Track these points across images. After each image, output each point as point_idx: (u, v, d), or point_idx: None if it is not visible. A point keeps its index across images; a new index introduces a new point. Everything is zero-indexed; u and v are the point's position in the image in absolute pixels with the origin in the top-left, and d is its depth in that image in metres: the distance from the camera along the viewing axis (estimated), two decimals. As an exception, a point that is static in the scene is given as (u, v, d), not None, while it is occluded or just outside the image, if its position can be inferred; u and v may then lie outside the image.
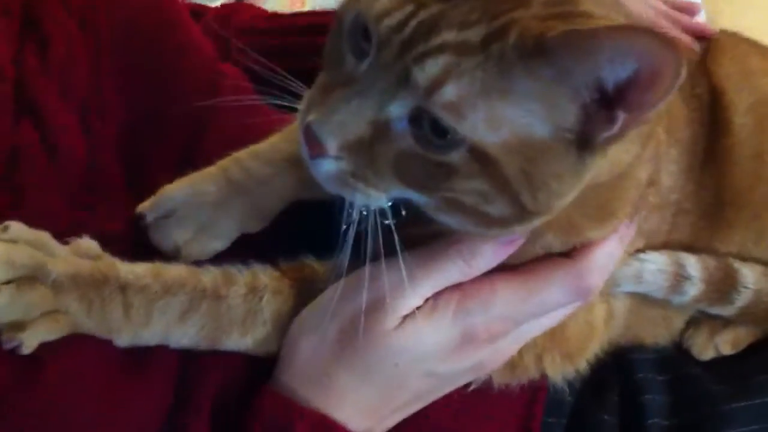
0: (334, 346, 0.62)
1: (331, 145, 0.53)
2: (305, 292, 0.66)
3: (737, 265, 0.80)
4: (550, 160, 0.53)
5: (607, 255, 0.66)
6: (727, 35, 0.87)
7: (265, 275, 0.65)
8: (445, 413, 0.69)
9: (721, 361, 0.83)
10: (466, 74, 0.51)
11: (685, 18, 0.88)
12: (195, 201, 0.67)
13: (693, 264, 0.78)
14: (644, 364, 0.82)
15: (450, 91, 0.51)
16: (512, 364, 0.69)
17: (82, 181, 0.64)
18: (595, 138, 0.53)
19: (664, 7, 0.83)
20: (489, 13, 0.51)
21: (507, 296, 0.63)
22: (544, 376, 0.72)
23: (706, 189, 0.77)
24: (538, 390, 0.75)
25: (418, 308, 0.62)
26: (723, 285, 0.79)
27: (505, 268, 0.63)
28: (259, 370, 0.65)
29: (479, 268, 0.62)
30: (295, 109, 0.58)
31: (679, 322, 0.83)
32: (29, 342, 0.57)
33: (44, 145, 0.60)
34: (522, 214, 0.55)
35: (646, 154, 0.64)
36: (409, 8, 0.51)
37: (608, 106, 0.52)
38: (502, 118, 0.51)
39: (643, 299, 0.78)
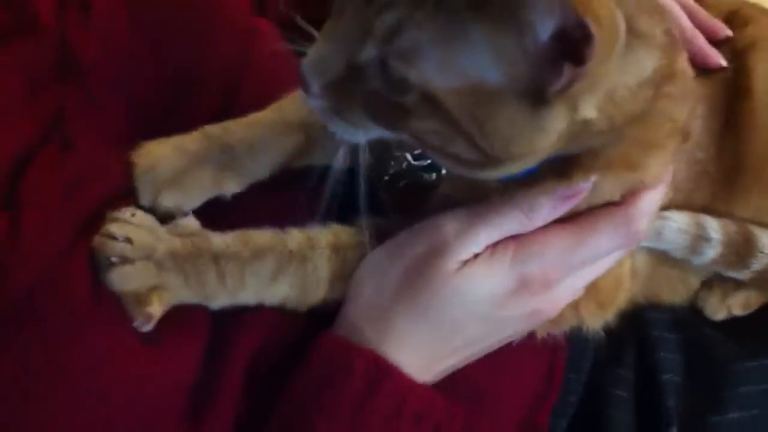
0: (396, 287, 0.66)
1: (314, 85, 0.59)
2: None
3: (757, 231, 0.82)
4: (501, 108, 0.56)
5: (652, 200, 0.69)
6: (751, 6, 0.88)
7: (345, 234, 0.68)
8: (478, 368, 0.72)
9: (732, 322, 0.85)
10: (417, 25, 0.54)
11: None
12: (173, 155, 0.69)
13: (714, 227, 0.80)
14: (659, 324, 0.85)
15: (402, 41, 0.55)
16: None
17: (125, 132, 0.66)
18: (546, 90, 0.55)
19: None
20: None
21: (561, 244, 0.66)
22: (578, 327, 0.76)
23: (726, 152, 0.79)
24: (559, 349, 0.78)
25: (476, 255, 0.65)
26: (742, 249, 0.81)
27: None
28: (297, 329, 0.69)
29: (537, 222, 0.66)
30: None
31: (695, 282, 0.86)
32: (156, 314, 0.63)
33: (88, 97, 0.62)
34: (487, 158, 0.59)
35: (674, 91, 0.66)
36: None
37: (554, 58, 0.54)
38: (452, 65, 0.55)
39: (662, 258, 0.80)
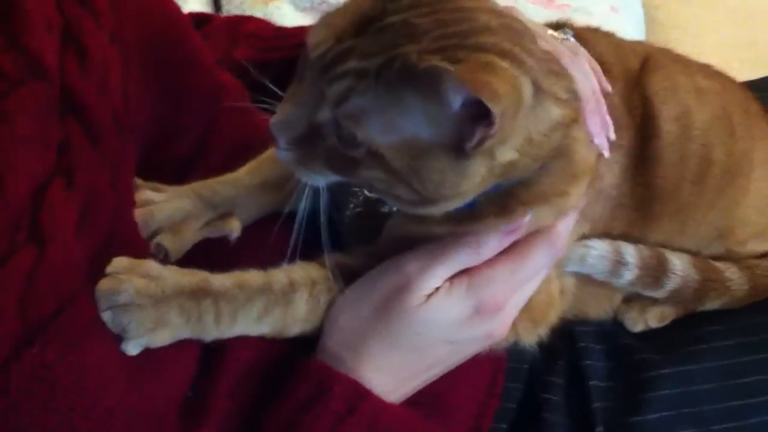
0: (369, 321, 0.74)
1: (282, 141, 0.69)
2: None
3: (668, 254, 0.92)
4: (431, 159, 0.67)
5: (568, 223, 0.80)
6: (661, 53, 0.97)
7: (319, 275, 0.77)
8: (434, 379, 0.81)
9: (650, 333, 0.95)
10: (361, 93, 0.65)
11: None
12: (169, 208, 0.78)
13: (631, 252, 0.89)
14: (586, 336, 0.94)
15: (350, 106, 0.66)
16: None
17: (117, 166, 0.72)
18: (465, 145, 0.66)
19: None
20: (385, 47, 0.65)
21: (506, 269, 0.76)
22: (516, 342, 0.85)
23: (639, 185, 0.88)
24: (500, 360, 0.87)
25: (437, 288, 0.74)
26: (655, 271, 0.91)
27: None
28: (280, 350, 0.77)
29: (486, 255, 0.75)
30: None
31: (618, 298, 0.95)
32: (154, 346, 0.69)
33: (87, 135, 0.67)
34: (423, 198, 0.69)
35: (580, 135, 0.76)
36: (330, 42, 0.66)
37: (468, 121, 0.65)
38: (391, 126, 0.66)
39: (587, 279, 0.89)
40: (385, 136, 0.66)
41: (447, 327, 0.76)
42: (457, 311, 0.75)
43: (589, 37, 0.90)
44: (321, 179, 0.72)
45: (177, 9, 0.86)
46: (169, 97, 0.81)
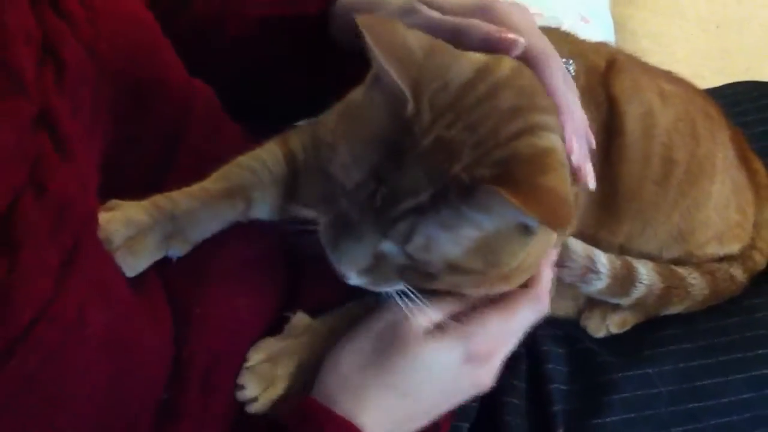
0: (368, 365, 0.75)
1: (351, 275, 0.70)
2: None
3: (635, 263, 0.93)
4: (506, 244, 0.68)
5: (548, 276, 0.80)
6: (625, 56, 0.99)
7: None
8: None
9: (611, 338, 0.95)
10: (426, 225, 0.65)
11: None
12: (123, 226, 0.75)
13: (603, 261, 0.90)
14: (548, 339, 0.94)
15: (417, 240, 0.66)
16: None
17: (92, 178, 0.72)
18: (531, 228, 0.67)
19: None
20: (433, 177, 0.64)
21: (494, 319, 0.76)
22: None
23: (604, 180, 0.88)
24: None
25: (431, 334, 0.75)
26: (625, 281, 0.92)
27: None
28: None
29: (474, 301, 0.77)
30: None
31: (583, 299, 0.96)
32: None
33: (58, 148, 0.66)
34: (503, 278, 0.73)
35: None
36: (372, 184, 0.65)
37: None
38: (461, 238, 0.66)
39: (556, 281, 0.89)
40: (457, 248, 0.67)
41: (440, 371, 0.76)
42: (450, 356, 0.76)
43: (551, 37, 0.90)
44: (394, 288, 0.73)
45: (151, 18, 0.85)
46: (141, 106, 0.80)
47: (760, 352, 0.92)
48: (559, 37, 0.93)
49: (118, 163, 0.76)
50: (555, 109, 0.71)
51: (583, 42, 0.96)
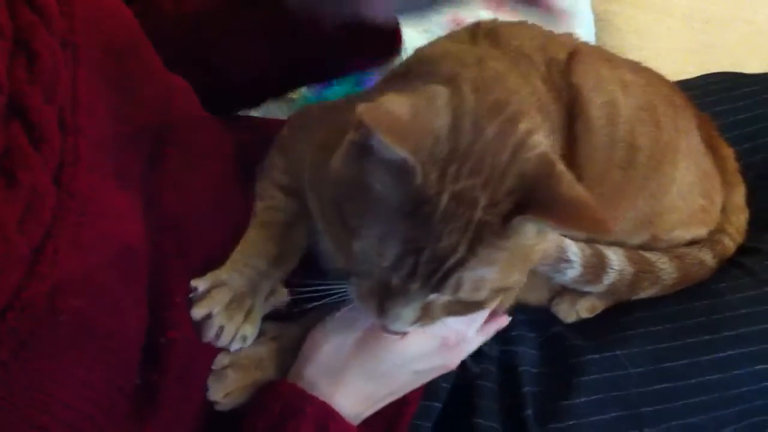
0: (352, 349, 0.81)
1: (405, 330, 0.75)
2: None
3: (605, 250, 0.95)
4: (533, 248, 0.73)
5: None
6: (589, 48, 1.00)
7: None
8: None
9: (580, 323, 0.97)
10: (470, 273, 0.69)
11: None
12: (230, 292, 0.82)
13: (574, 251, 0.92)
14: (519, 324, 0.96)
15: (466, 287, 0.70)
16: None
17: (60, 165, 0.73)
18: None
19: None
20: (463, 231, 0.68)
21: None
22: None
23: (569, 168, 0.87)
24: None
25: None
26: (596, 268, 0.94)
27: None
28: None
29: None
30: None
31: (555, 286, 0.98)
32: None
33: (30, 138, 0.69)
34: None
35: None
36: (410, 258, 0.69)
37: None
38: (505, 267, 0.71)
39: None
40: (502, 275, 0.72)
41: (417, 359, 0.82)
42: (428, 344, 0.82)
43: (512, 31, 0.92)
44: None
45: (130, 15, 0.87)
46: (125, 99, 0.82)
47: (726, 334, 0.94)
48: (523, 30, 0.95)
49: (116, 154, 0.78)
50: (527, 100, 0.76)
51: (546, 33, 0.98)
